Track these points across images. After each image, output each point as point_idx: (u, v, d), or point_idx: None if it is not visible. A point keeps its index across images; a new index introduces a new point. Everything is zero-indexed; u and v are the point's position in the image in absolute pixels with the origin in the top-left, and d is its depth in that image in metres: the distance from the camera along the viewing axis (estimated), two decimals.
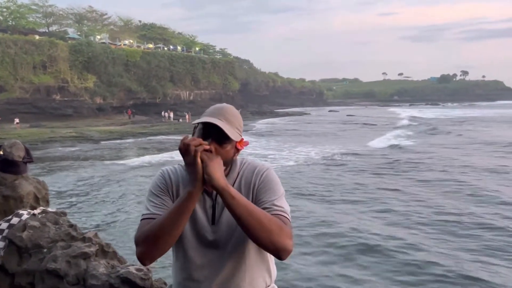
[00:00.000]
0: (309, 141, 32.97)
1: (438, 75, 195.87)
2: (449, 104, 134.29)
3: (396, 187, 15.77)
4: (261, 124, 52.53)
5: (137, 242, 1.54)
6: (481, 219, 11.36)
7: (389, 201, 13.68)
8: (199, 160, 1.47)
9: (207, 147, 1.49)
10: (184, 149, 1.48)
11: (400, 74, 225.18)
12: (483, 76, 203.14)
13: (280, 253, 1.50)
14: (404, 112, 76.85)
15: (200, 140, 1.49)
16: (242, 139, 1.64)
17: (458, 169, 19.28)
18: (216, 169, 1.48)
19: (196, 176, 1.48)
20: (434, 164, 20.65)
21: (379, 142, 30.41)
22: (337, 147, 28.52)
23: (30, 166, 3.12)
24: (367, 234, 10.25)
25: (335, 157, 23.80)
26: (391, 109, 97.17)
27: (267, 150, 28.07)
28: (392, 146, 28.11)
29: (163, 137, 36.60)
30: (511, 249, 9.26)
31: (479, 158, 22.89)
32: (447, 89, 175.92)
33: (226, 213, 1.61)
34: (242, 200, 1.49)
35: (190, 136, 1.57)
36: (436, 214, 11.97)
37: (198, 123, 1.60)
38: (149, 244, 1.51)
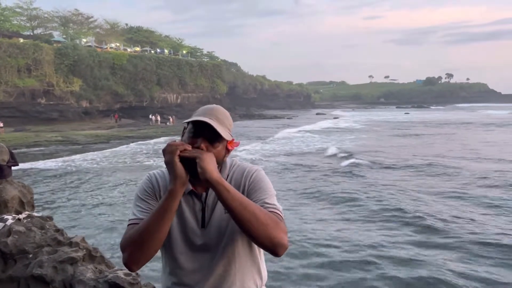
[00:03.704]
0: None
1: (424, 78, 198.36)
2: (433, 106, 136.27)
3: None
4: None
5: (123, 248, 1.51)
6: None
7: None
8: (176, 159, 1.45)
9: (189, 147, 1.48)
10: (166, 150, 1.48)
11: (386, 77, 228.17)
12: (468, 79, 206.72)
13: (276, 249, 1.46)
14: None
15: (186, 146, 1.49)
16: (233, 139, 1.62)
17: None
18: (209, 162, 1.46)
19: (175, 174, 1.46)
20: None
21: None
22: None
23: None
24: None
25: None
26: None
27: None
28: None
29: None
30: None
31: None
32: (433, 92, 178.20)
33: (216, 216, 1.60)
34: (236, 193, 1.46)
35: (178, 139, 1.54)
36: None
37: (188, 124, 1.58)
38: (134, 248, 1.48)
